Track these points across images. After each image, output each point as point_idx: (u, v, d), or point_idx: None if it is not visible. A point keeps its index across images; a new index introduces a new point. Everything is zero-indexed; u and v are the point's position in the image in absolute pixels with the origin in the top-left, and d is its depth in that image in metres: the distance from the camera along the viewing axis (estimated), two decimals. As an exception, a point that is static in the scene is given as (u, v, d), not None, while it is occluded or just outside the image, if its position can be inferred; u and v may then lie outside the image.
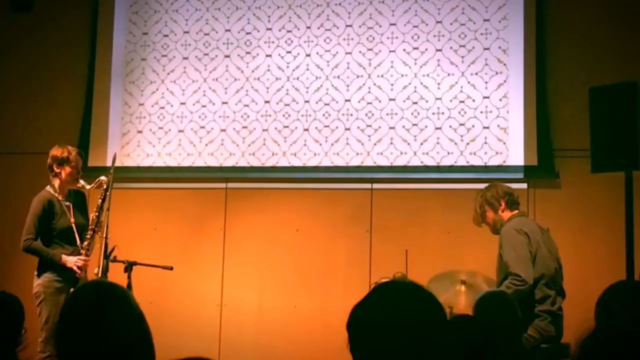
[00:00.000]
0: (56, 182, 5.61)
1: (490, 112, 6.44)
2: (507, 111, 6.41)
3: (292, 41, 6.89)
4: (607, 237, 5.92)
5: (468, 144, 6.44)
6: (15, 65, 7.43)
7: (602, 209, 6.05)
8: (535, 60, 6.37)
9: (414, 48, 6.64)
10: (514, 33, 6.46)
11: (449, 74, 6.55)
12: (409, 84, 6.61)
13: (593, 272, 5.77)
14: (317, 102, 6.76)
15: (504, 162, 6.36)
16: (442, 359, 1.75)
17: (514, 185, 5.49)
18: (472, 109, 6.47)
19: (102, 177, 5.60)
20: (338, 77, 6.76)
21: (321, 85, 6.78)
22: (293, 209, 6.71)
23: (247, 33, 6.99)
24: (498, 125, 6.41)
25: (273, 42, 6.92)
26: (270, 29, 6.95)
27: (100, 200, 5.52)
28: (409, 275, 5.31)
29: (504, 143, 6.39)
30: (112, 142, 7.06)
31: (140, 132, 7.07)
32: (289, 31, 6.91)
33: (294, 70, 6.85)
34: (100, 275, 5.26)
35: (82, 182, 5.62)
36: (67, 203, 5.62)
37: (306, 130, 6.75)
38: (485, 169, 6.37)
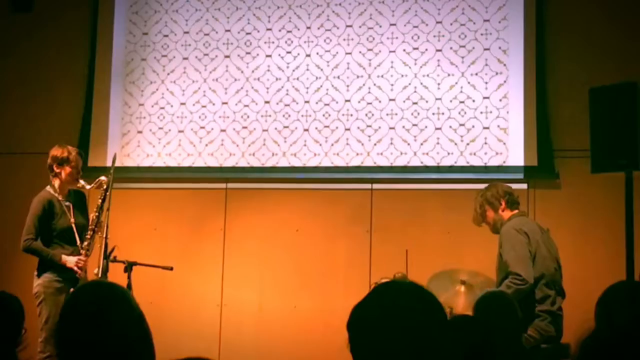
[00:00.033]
0: (56, 182, 5.61)
1: (490, 112, 6.44)
2: (507, 111, 6.41)
3: (292, 41, 6.89)
4: (607, 237, 5.92)
5: (468, 144, 6.44)
6: (15, 66, 7.43)
7: (602, 209, 6.05)
8: (535, 61, 6.36)
9: (414, 48, 6.64)
10: (514, 33, 6.46)
11: (449, 74, 6.55)
12: (409, 84, 6.61)
13: (593, 272, 5.77)
14: (317, 103, 6.76)
15: (504, 162, 6.36)
16: (442, 359, 1.75)
17: (514, 186, 5.49)
18: (472, 109, 6.47)
19: (102, 177, 5.60)
20: (338, 77, 6.76)
21: (321, 86, 6.78)
22: (293, 209, 6.71)
23: (247, 33, 6.99)
24: (498, 126, 6.41)
25: (273, 42, 6.93)
26: (270, 29, 6.95)
27: (100, 201, 5.52)
28: (409, 275, 5.31)
29: (504, 143, 6.39)
30: (112, 142, 7.06)
31: (140, 132, 7.07)
32: (289, 31, 6.91)
33: (294, 70, 6.85)
34: (100, 275, 5.26)
35: (82, 182, 5.61)
36: (67, 203, 5.62)
37: (306, 130, 6.75)
38: (485, 169, 6.37)
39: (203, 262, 6.78)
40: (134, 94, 7.13)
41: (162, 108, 7.06)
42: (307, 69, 6.82)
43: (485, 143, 6.41)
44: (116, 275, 5.22)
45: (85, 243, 5.51)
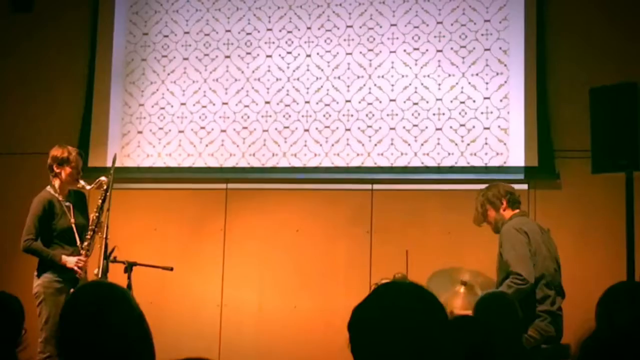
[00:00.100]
0: (56, 183, 5.61)
1: (491, 112, 6.44)
2: (507, 112, 6.41)
3: (292, 42, 6.89)
4: (607, 238, 5.92)
5: (468, 144, 6.44)
6: (15, 66, 7.43)
7: (602, 209, 6.05)
8: (536, 61, 6.37)
9: (415, 49, 6.64)
10: (514, 34, 6.46)
11: (449, 75, 6.54)
12: (410, 84, 6.61)
13: (593, 272, 5.78)
14: (317, 103, 6.76)
15: (505, 162, 6.36)
16: (443, 359, 1.75)
17: (514, 186, 5.48)
18: (473, 109, 6.47)
19: (102, 178, 5.60)
20: (338, 77, 6.76)
21: (322, 86, 6.78)
22: (293, 210, 6.71)
23: (248, 33, 6.99)
24: (499, 126, 6.41)
25: (273, 42, 6.92)
26: (270, 30, 6.95)
27: (100, 201, 5.52)
28: (409, 276, 5.31)
29: (505, 144, 6.39)
30: (112, 142, 7.06)
31: (140, 132, 7.07)
32: (289, 32, 6.91)
33: (294, 70, 6.85)
34: (100, 275, 5.26)
35: (82, 182, 5.61)
36: (67, 203, 5.62)
37: (306, 130, 6.75)
38: (486, 169, 6.36)
39: (203, 262, 6.78)
40: (134, 94, 7.13)
41: (163, 108, 7.06)
42: (308, 70, 6.82)
43: (486, 143, 6.41)
44: (116, 276, 5.22)
45: (86, 243, 5.51)
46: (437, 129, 6.51)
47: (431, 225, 6.41)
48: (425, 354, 1.74)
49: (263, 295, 6.68)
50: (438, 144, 6.49)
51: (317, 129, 6.73)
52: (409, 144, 6.54)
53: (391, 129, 6.59)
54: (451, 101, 6.52)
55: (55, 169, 5.59)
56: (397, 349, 1.74)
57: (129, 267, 5.42)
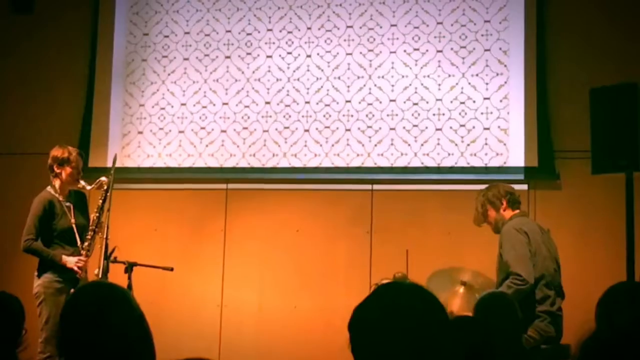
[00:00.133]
0: (57, 183, 5.61)
1: (491, 113, 6.44)
2: (507, 112, 6.41)
3: (292, 42, 6.89)
4: (607, 238, 5.92)
5: (468, 145, 6.44)
6: (15, 66, 7.43)
7: (602, 210, 6.05)
8: (536, 62, 6.37)
9: (415, 49, 6.64)
10: (514, 34, 6.46)
11: (449, 75, 6.55)
12: (410, 85, 6.61)
13: (593, 273, 5.77)
14: (317, 103, 6.76)
15: (505, 163, 6.36)
16: (443, 359, 1.75)
17: (514, 187, 5.49)
18: (473, 110, 6.47)
19: (103, 178, 5.60)
20: (339, 78, 6.76)
21: (322, 86, 6.78)
22: (293, 210, 6.71)
23: (248, 34, 6.99)
24: (498, 127, 6.41)
25: (274, 43, 6.93)
26: (270, 30, 6.95)
27: (100, 201, 5.52)
28: (410, 275, 5.32)
29: (505, 144, 6.39)
30: (112, 142, 7.06)
31: (140, 132, 7.07)
32: (289, 32, 6.91)
33: (294, 71, 6.85)
34: (100, 276, 5.26)
35: (82, 182, 5.61)
36: (68, 204, 5.62)
37: (307, 131, 6.75)
38: (486, 170, 6.36)
39: (203, 262, 6.78)
40: (134, 94, 7.14)
41: (163, 109, 7.06)
42: (308, 70, 6.83)
43: (486, 144, 6.41)
44: (116, 276, 5.22)
45: (86, 244, 5.51)
46: (437, 130, 6.51)
47: (431, 226, 6.41)
48: (426, 354, 1.74)
49: (263, 296, 6.68)
50: (438, 144, 6.49)
51: (317, 129, 6.73)
52: (409, 145, 6.54)
53: (391, 129, 6.59)
54: (451, 101, 6.52)
55: (55, 169, 5.59)
56: (398, 349, 1.74)
57: (129, 267, 5.41)
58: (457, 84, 6.53)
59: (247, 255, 6.72)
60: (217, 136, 6.91)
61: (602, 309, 2.87)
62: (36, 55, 7.39)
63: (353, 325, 1.82)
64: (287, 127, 6.79)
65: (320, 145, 6.70)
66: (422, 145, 6.52)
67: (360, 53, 6.73)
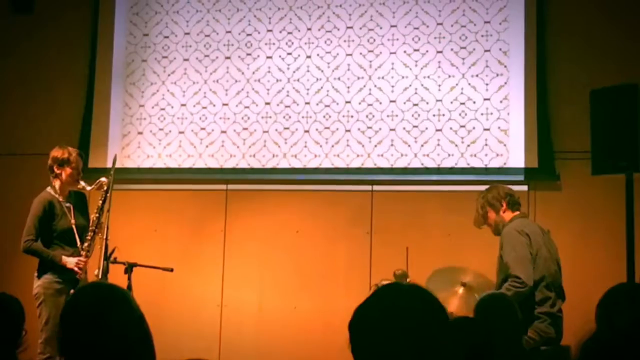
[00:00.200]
0: (57, 183, 5.61)
1: (491, 114, 6.44)
2: (507, 113, 6.41)
3: (292, 43, 6.89)
4: (607, 239, 5.92)
5: (469, 145, 6.44)
6: (15, 66, 7.43)
7: (602, 211, 6.05)
8: (536, 62, 6.37)
9: (415, 50, 6.64)
10: (514, 35, 6.46)
11: (449, 76, 6.55)
12: (410, 85, 6.61)
13: (593, 274, 5.77)
14: (317, 104, 6.76)
15: (505, 164, 6.36)
16: (443, 359, 1.75)
17: (514, 187, 5.49)
18: (473, 110, 6.47)
19: (103, 179, 5.59)
20: (338, 78, 6.76)
21: (322, 87, 6.78)
22: (293, 211, 6.71)
23: (248, 34, 6.99)
24: (499, 127, 6.41)
25: (274, 43, 6.93)
26: (270, 31, 6.95)
27: (100, 202, 5.52)
28: (409, 275, 5.30)
29: (505, 145, 6.39)
30: (112, 143, 7.06)
31: (140, 133, 7.07)
32: (289, 33, 6.91)
33: (294, 71, 6.85)
34: (100, 276, 5.25)
35: (82, 183, 5.61)
36: (68, 204, 5.62)
37: (306, 131, 6.75)
38: (486, 171, 6.36)
39: (203, 263, 6.78)
40: (134, 95, 7.14)
41: (163, 109, 7.06)
42: (308, 70, 6.83)
43: (486, 145, 6.41)
44: (116, 277, 5.21)
45: (86, 244, 5.51)
46: (437, 130, 6.51)
47: (431, 227, 6.41)
48: (426, 355, 1.74)
49: (263, 296, 6.68)
50: (438, 145, 6.49)
51: (317, 130, 6.73)
52: (409, 145, 6.54)
53: (391, 130, 6.59)
54: (451, 102, 6.52)
55: (55, 169, 5.59)
56: (398, 350, 1.74)
57: (129, 268, 5.41)
58: (457, 84, 6.53)
59: (247, 256, 6.72)
60: (217, 137, 6.91)
61: (602, 310, 2.87)
62: (36, 55, 7.39)
63: (353, 325, 1.82)
64: (287, 128, 6.79)
65: (320, 146, 6.71)
66: (422, 146, 6.52)
67: (360, 54, 6.74)
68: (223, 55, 7.01)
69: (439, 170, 6.46)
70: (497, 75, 6.46)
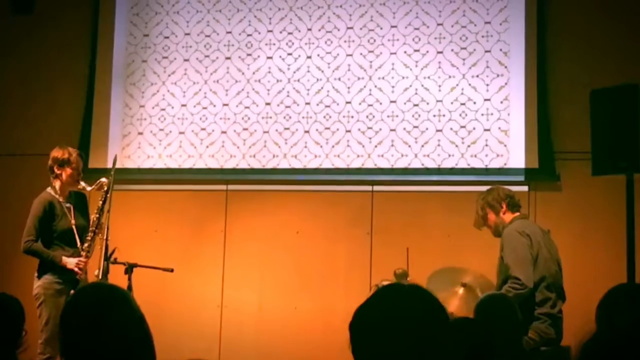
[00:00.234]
0: (57, 184, 5.61)
1: (491, 114, 6.44)
2: (508, 113, 6.41)
3: (293, 43, 6.89)
4: (607, 240, 5.92)
5: (469, 146, 6.44)
6: (15, 66, 7.43)
7: (602, 211, 6.05)
8: (536, 63, 6.37)
9: (415, 50, 6.64)
10: (515, 35, 6.46)
11: (450, 76, 6.55)
12: (410, 86, 6.61)
13: (594, 274, 5.77)
14: (317, 104, 6.76)
15: (505, 164, 6.36)
16: (443, 359, 1.75)
17: (514, 188, 5.49)
18: (473, 111, 6.47)
19: (103, 179, 5.59)
20: (339, 79, 6.76)
21: (322, 87, 6.78)
22: (293, 211, 6.71)
23: (248, 35, 6.99)
24: (499, 128, 6.41)
25: (274, 44, 6.93)
26: (271, 31, 6.95)
27: (100, 202, 5.52)
28: (410, 275, 5.30)
29: (505, 145, 6.38)
30: (112, 143, 7.06)
31: (140, 133, 7.07)
32: (289, 33, 6.91)
33: (294, 72, 6.85)
34: (100, 277, 5.25)
35: (82, 183, 5.61)
36: (68, 205, 5.62)
37: (307, 132, 6.75)
38: (486, 171, 6.36)
39: (203, 263, 6.78)
40: (134, 95, 7.14)
41: (163, 109, 7.06)
42: (308, 71, 6.83)
43: (486, 145, 6.41)
44: (117, 277, 5.21)
45: (86, 245, 5.51)
46: (437, 131, 6.51)
47: (431, 227, 6.41)
48: (426, 355, 1.74)
49: (263, 296, 6.68)
50: (438, 145, 6.49)
51: (317, 130, 6.73)
52: (410, 146, 6.54)
53: (391, 130, 6.59)
54: (451, 103, 6.52)
55: (55, 170, 5.59)
56: (398, 350, 1.74)
57: (130, 268, 5.41)
58: (457, 85, 6.53)
59: (247, 256, 6.72)
60: (217, 137, 6.91)
61: (603, 310, 2.87)
62: (36, 55, 7.39)
63: (354, 326, 1.82)
64: (288, 128, 6.79)
65: (321, 147, 6.71)
66: (422, 146, 6.52)
67: (361, 54, 6.73)
68: (223, 55, 7.01)
69: (439, 171, 6.46)
70: (498, 75, 6.46)
